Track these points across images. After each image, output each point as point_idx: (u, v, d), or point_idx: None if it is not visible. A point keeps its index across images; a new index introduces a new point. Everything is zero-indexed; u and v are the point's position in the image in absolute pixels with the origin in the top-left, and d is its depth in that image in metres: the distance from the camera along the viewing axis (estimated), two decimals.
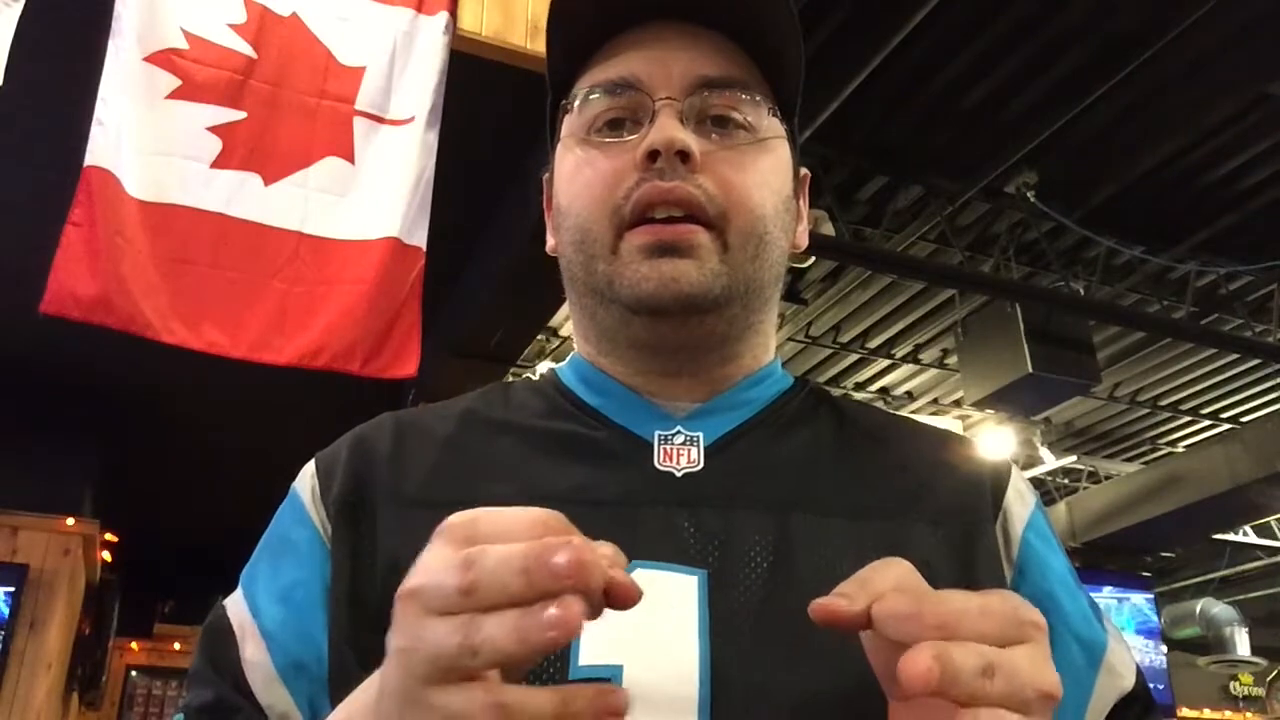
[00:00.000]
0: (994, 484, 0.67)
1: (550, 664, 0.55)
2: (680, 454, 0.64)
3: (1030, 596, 0.63)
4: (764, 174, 0.66)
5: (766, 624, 0.57)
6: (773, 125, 0.68)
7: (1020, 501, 0.67)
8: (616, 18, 0.67)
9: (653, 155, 0.63)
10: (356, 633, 0.60)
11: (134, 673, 6.99)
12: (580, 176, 0.66)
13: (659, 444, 0.65)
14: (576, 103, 0.68)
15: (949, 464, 0.68)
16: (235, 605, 0.64)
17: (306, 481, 0.67)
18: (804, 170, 0.75)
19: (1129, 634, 7.08)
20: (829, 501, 0.63)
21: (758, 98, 0.67)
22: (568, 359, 0.74)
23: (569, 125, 0.69)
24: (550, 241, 0.73)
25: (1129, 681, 0.64)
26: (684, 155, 0.62)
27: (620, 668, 0.55)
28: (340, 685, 0.59)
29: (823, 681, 0.55)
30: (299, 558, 0.64)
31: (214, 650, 0.63)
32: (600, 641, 0.55)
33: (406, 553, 0.60)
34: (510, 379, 0.77)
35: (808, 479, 0.65)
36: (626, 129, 0.66)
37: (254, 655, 0.61)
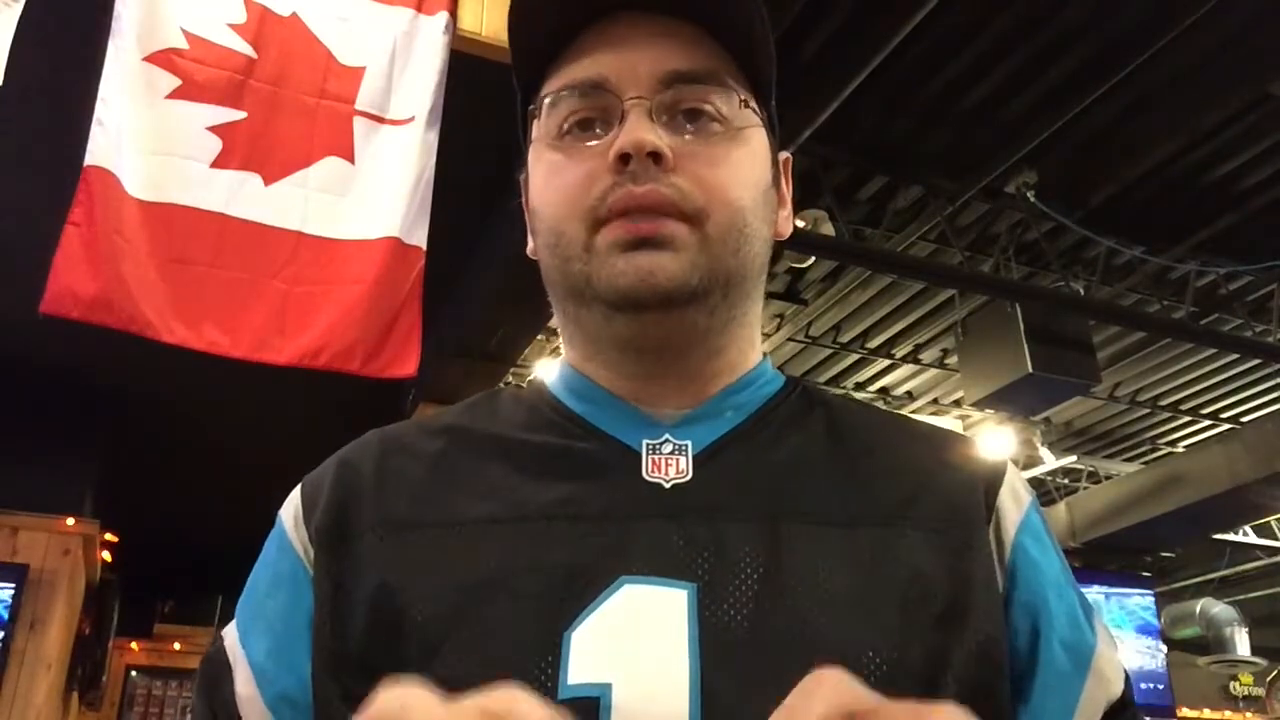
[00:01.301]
0: (988, 486, 0.66)
1: (539, 683, 0.54)
2: (669, 464, 0.63)
3: (1022, 602, 0.62)
4: (740, 167, 0.65)
5: (757, 637, 0.56)
6: (746, 115, 0.67)
7: (1014, 503, 0.66)
8: (580, 13, 0.66)
9: (624, 158, 0.62)
10: (337, 664, 0.60)
11: (134, 673, 7.00)
12: (552, 182, 0.66)
13: (647, 453, 0.64)
14: (545, 106, 0.67)
15: (944, 466, 0.67)
16: (230, 637, 0.65)
17: (290, 509, 0.67)
18: (785, 155, 0.74)
19: (1129, 633, 7.08)
20: (820, 509, 0.62)
21: (729, 88, 0.66)
22: (557, 364, 0.73)
23: (539, 128, 0.68)
24: (530, 244, 0.72)
25: (1118, 688, 0.63)
26: (656, 156, 0.62)
27: (609, 685, 0.54)
28: (321, 715, 0.60)
29: None
30: (283, 587, 0.64)
31: (209, 682, 0.64)
32: (589, 659, 0.54)
33: (391, 575, 0.60)
34: (501, 386, 0.76)
35: (799, 486, 0.63)
36: (597, 128, 0.65)
37: (244, 689, 0.62)
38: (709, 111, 0.65)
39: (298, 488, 0.68)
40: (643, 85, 0.64)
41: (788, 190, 0.74)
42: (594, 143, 0.65)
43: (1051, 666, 0.61)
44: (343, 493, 0.65)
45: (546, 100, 0.67)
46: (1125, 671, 0.64)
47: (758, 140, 0.68)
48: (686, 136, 0.64)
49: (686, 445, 0.64)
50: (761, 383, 0.70)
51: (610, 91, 0.64)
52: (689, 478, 0.63)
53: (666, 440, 0.64)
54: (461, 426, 0.69)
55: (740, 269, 0.65)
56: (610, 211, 0.62)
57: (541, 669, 0.54)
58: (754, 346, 0.71)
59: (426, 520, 0.62)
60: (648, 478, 0.63)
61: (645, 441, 0.64)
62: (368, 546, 0.62)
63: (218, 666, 0.64)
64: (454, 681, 0.52)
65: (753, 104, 0.67)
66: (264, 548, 0.68)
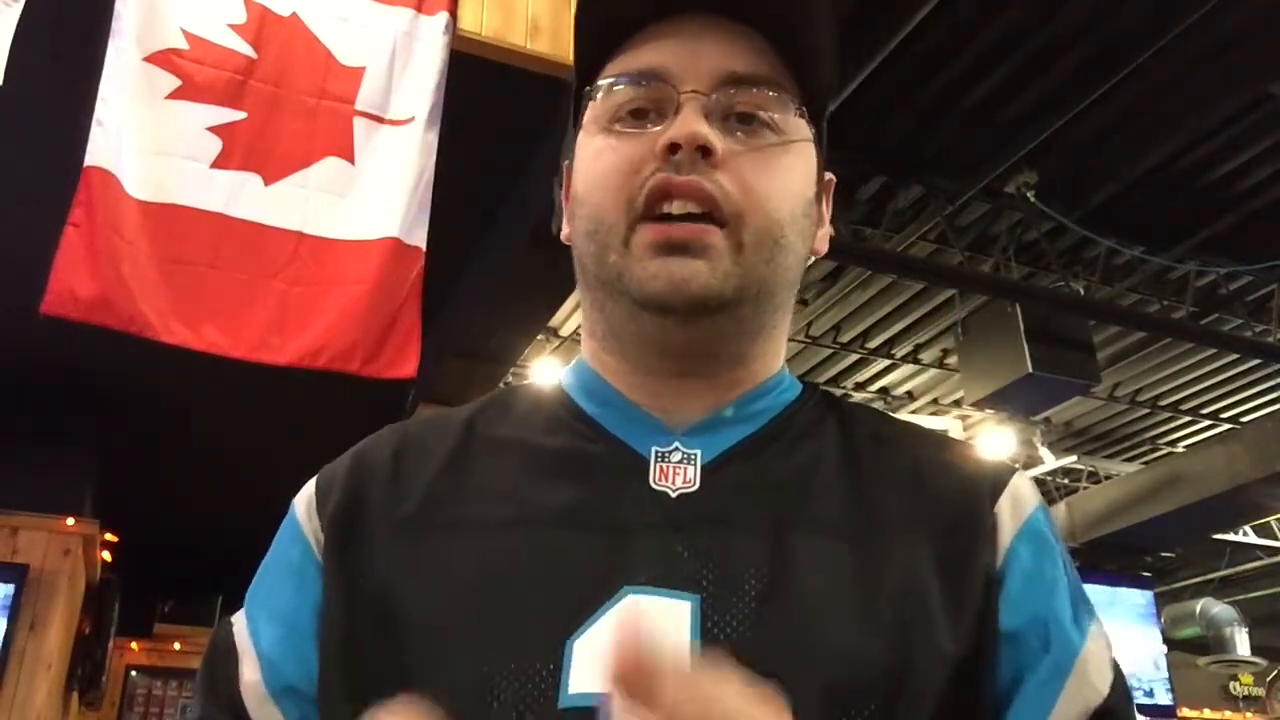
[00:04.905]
0: (991, 494, 0.65)
1: (540, 693, 0.54)
2: (676, 473, 0.63)
3: (1010, 608, 0.61)
4: (786, 177, 0.65)
5: (759, 649, 0.55)
6: (799, 127, 0.66)
7: (1013, 510, 0.65)
8: (647, 7, 0.66)
9: (673, 148, 0.61)
10: (344, 655, 0.60)
11: (134, 673, 6.98)
12: (598, 164, 0.65)
13: (655, 461, 0.63)
14: (600, 91, 0.67)
15: (951, 477, 0.66)
16: (239, 623, 0.65)
17: (304, 498, 0.67)
18: (829, 175, 0.73)
19: (1129, 633, 7.07)
20: (827, 522, 0.62)
21: (786, 97, 0.65)
22: (573, 363, 0.73)
23: (592, 112, 0.68)
24: (565, 230, 0.71)
25: (1102, 692, 0.60)
26: (705, 151, 0.61)
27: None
28: (325, 707, 0.60)
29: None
30: (294, 577, 0.64)
31: (215, 667, 0.64)
32: (590, 669, 0.54)
33: (397, 574, 0.60)
34: (512, 381, 0.76)
35: (807, 498, 0.63)
36: (650, 120, 0.64)
37: (249, 676, 0.62)
38: (762, 118, 0.65)
39: (313, 478, 0.68)
40: (701, 80, 0.63)
41: (827, 210, 0.73)
42: (645, 132, 0.64)
43: (1033, 670, 0.60)
44: (357, 486, 0.65)
45: (603, 85, 0.67)
46: (1119, 678, 0.62)
47: (806, 154, 0.67)
48: (737, 138, 0.64)
49: (696, 454, 0.64)
50: (779, 391, 0.69)
51: (668, 82, 0.64)
52: (696, 487, 0.62)
53: (676, 448, 0.64)
54: (477, 425, 0.69)
55: (772, 279, 0.64)
56: (650, 196, 0.62)
57: (543, 677, 0.54)
58: (778, 356, 0.71)
59: (435, 521, 0.62)
60: (655, 486, 0.63)
61: (655, 449, 0.64)
62: (377, 543, 0.62)
63: (224, 652, 0.64)
64: (456, 685, 0.53)
65: (806, 116, 0.67)
66: (276, 536, 0.68)
